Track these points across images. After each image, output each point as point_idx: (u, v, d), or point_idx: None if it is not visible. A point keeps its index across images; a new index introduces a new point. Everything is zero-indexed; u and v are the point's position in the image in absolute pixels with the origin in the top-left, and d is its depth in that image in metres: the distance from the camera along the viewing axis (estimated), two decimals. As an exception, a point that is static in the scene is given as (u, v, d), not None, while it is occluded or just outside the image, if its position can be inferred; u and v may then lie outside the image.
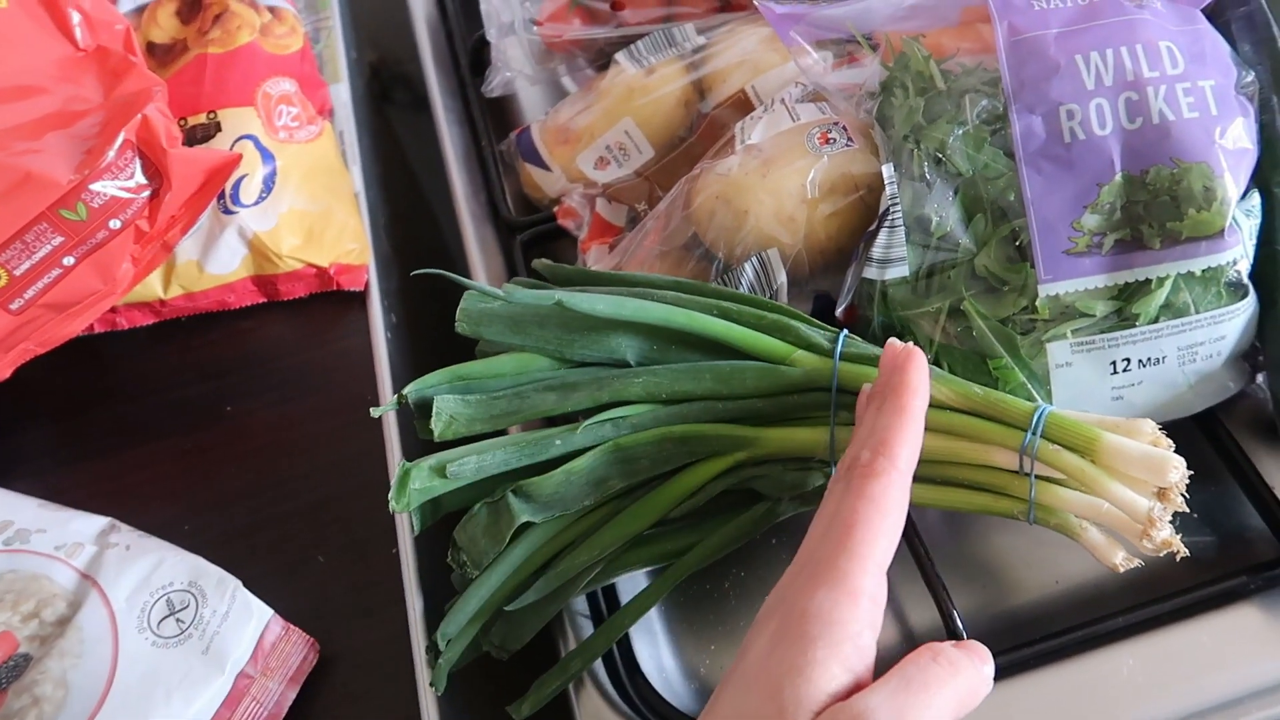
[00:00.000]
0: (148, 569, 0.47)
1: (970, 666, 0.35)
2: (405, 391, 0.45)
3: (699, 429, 0.45)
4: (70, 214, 0.50)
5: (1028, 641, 0.47)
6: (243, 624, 0.46)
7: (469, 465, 0.43)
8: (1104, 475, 0.42)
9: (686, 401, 0.45)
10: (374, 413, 0.44)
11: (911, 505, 0.47)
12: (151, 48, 0.66)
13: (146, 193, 0.52)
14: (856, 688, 0.33)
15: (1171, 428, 0.44)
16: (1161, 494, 0.41)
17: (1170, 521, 0.42)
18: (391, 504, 0.43)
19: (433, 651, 0.45)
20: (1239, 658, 0.46)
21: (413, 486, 0.43)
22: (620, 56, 0.63)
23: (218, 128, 0.62)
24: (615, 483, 0.45)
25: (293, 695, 0.48)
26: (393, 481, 0.43)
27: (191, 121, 0.62)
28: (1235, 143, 0.46)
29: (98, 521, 0.49)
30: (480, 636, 0.46)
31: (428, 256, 0.75)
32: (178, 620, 0.46)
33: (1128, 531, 0.42)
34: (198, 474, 0.57)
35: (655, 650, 0.50)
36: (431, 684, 0.45)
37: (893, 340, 0.41)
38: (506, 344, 0.47)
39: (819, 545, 0.35)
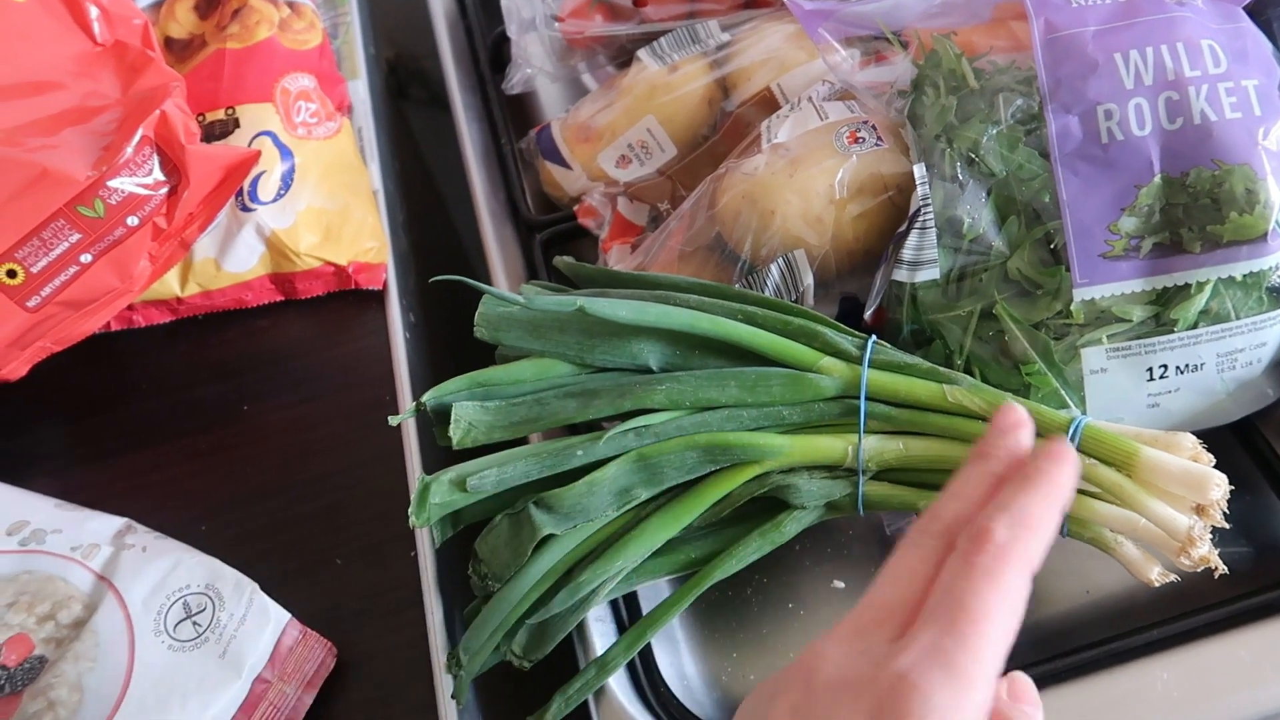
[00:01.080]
0: (164, 571, 0.46)
1: None
2: (424, 399, 0.44)
3: (723, 438, 0.44)
4: (88, 211, 0.50)
5: (1057, 654, 0.46)
6: (260, 627, 0.46)
7: (489, 478, 0.42)
8: (1142, 491, 0.41)
9: (711, 410, 0.44)
10: (392, 421, 0.43)
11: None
12: (169, 43, 0.65)
13: (164, 189, 0.52)
14: None
15: (1207, 436, 0.43)
16: (1201, 510, 0.40)
17: (1209, 536, 0.41)
18: (411, 519, 0.42)
19: (454, 665, 0.44)
20: (1278, 673, 0.45)
21: (432, 501, 0.42)
22: (642, 53, 0.62)
23: (236, 124, 0.61)
24: (639, 492, 0.44)
25: (310, 700, 0.47)
26: (412, 494, 0.42)
27: (210, 117, 0.61)
28: (1279, 144, 0.45)
29: (114, 522, 0.48)
30: (502, 644, 0.45)
31: (446, 255, 0.74)
32: (194, 623, 0.45)
33: (1165, 548, 0.41)
34: (214, 474, 0.56)
35: (676, 658, 0.50)
36: (453, 696, 0.44)
37: (1011, 406, 0.34)
38: (526, 349, 0.46)
39: (928, 625, 0.29)
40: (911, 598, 0.30)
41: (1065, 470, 0.32)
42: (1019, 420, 0.34)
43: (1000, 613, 0.29)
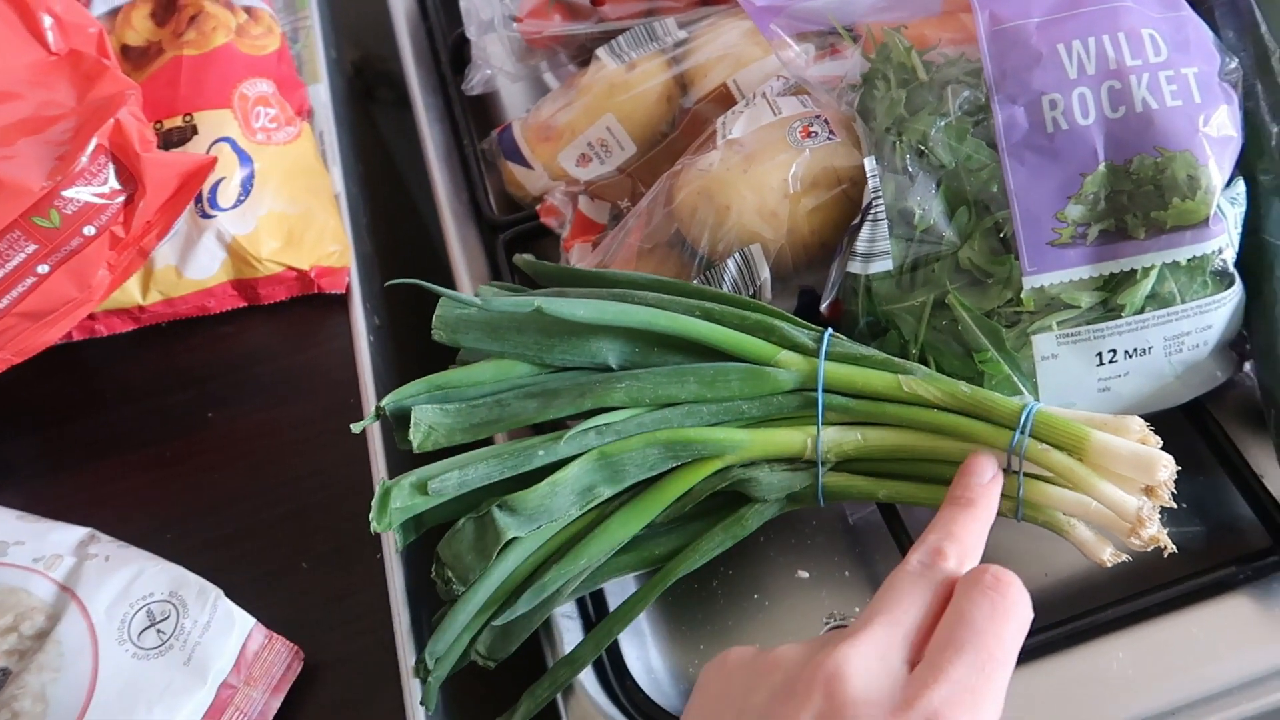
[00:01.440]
0: (127, 580, 0.46)
1: None
2: (383, 403, 0.44)
3: (684, 434, 0.44)
4: (43, 221, 0.49)
5: (1018, 637, 0.46)
6: (225, 634, 0.46)
7: (451, 481, 0.42)
8: (1092, 474, 0.41)
9: (671, 406, 0.45)
10: (354, 428, 0.43)
11: (899, 503, 0.47)
12: (126, 50, 0.65)
13: (121, 198, 0.51)
14: None
15: (1159, 418, 0.44)
16: (1150, 491, 0.41)
17: (1159, 516, 0.41)
18: (373, 524, 0.42)
19: (421, 670, 0.44)
20: (1230, 648, 0.46)
21: (394, 505, 0.42)
22: (601, 52, 0.63)
23: (194, 130, 0.61)
24: (601, 490, 0.44)
25: (277, 704, 0.47)
26: (374, 498, 0.42)
27: (167, 125, 0.61)
28: (1219, 130, 0.45)
29: (77, 532, 0.48)
30: (467, 646, 0.45)
31: (410, 257, 0.74)
32: (158, 631, 0.45)
33: (1116, 529, 0.42)
34: (179, 482, 0.56)
35: (643, 651, 0.50)
36: (422, 703, 0.44)
37: (981, 455, 0.42)
38: (485, 350, 0.46)
39: (953, 658, 0.33)
40: (924, 621, 0.35)
41: None
42: (989, 466, 0.42)
43: (1015, 649, 0.34)
